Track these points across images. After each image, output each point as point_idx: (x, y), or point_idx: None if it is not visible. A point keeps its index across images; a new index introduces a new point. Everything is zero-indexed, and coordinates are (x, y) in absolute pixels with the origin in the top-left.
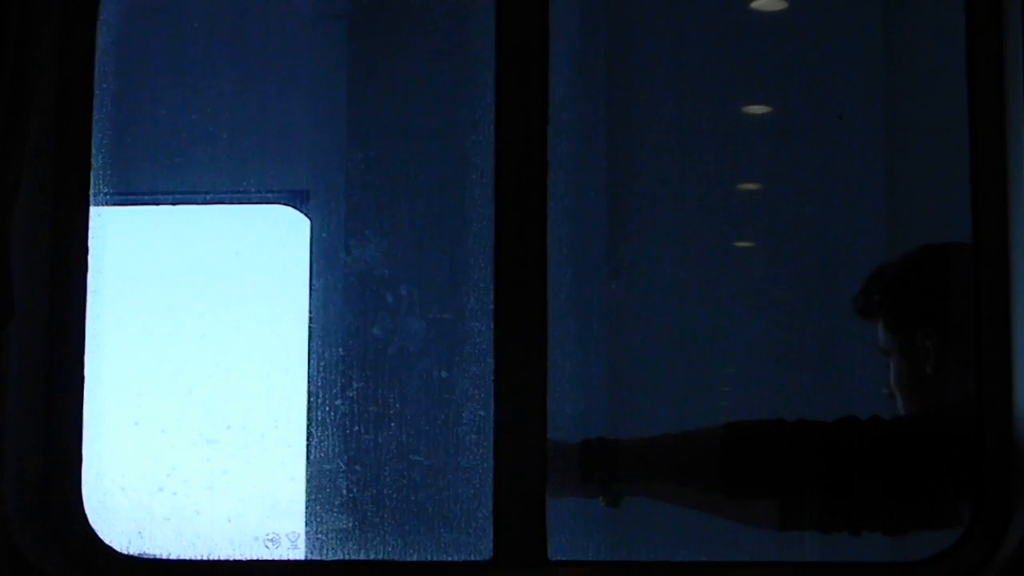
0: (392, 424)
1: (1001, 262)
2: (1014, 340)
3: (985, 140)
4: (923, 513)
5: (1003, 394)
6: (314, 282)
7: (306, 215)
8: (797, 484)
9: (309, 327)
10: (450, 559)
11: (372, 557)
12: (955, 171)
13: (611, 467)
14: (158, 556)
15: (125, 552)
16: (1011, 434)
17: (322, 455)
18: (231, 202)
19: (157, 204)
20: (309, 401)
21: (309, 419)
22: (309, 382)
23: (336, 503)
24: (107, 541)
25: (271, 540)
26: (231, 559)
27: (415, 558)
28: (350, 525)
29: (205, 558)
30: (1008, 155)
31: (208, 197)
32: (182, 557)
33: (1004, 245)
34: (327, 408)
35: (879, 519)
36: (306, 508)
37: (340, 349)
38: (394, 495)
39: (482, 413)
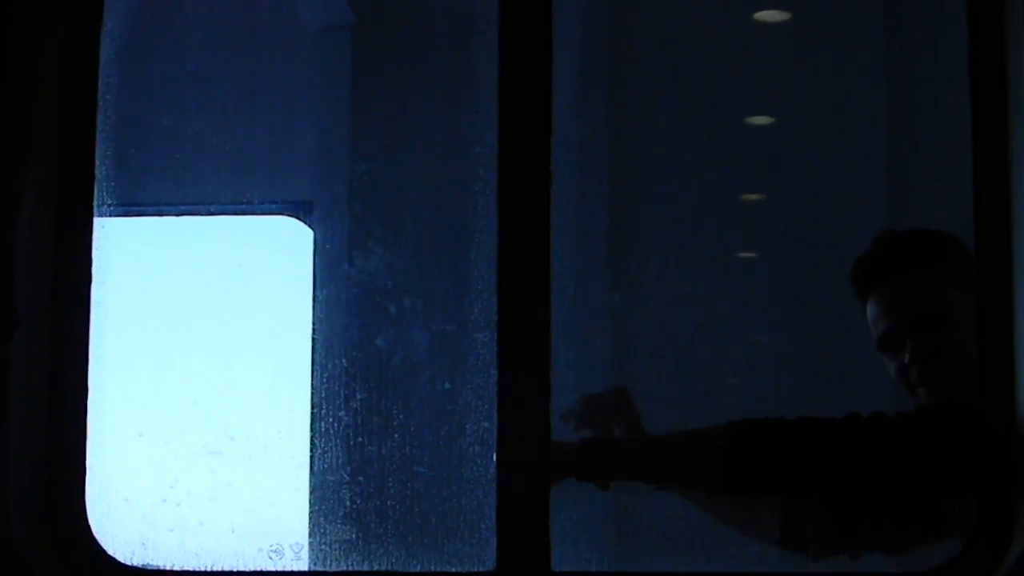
0: (395, 435)
1: (1004, 269)
2: (1016, 345)
3: (988, 149)
4: (924, 520)
5: (1007, 401)
6: (317, 293)
7: (309, 226)
8: (798, 484)
9: (312, 338)
10: (453, 570)
11: (376, 568)
12: (957, 180)
13: (610, 465)
14: (161, 567)
15: (128, 563)
16: (1015, 444)
17: (326, 466)
18: (234, 213)
19: (161, 215)
20: (313, 412)
21: (313, 430)
22: (313, 393)
23: (340, 514)
24: (110, 552)
25: (275, 551)
26: (234, 570)
27: (419, 569)
28: (354, 536)
29: (208, 569)
30: (1011, 166)
31: (211, 208)
32: (185, 568)
33: (1007, 252)
34: (331, 419)
35: (880, 533)
36: (310, 519)
37: (343, 360)
38: (398, 506)
39: (485, 424)
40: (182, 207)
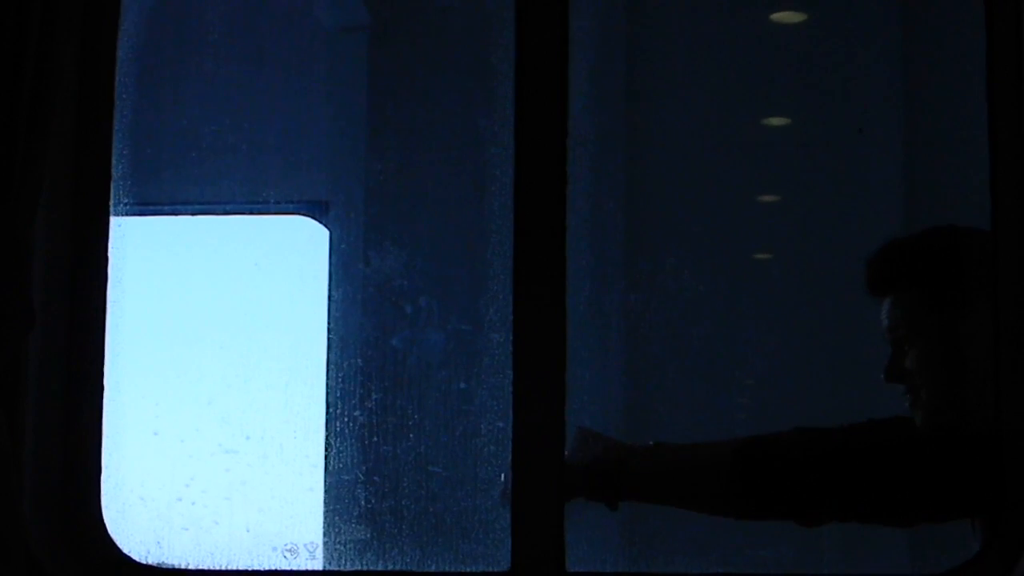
0: (410, 435)
1: (1020, 271)
2: None
3: (1005, 150)
4: (937, 517)
5: (1022, 407)
6: (333, 293)
7: (325, 226)
8: (812, 493)
9: (328, 338)
10: (468, 570)
11: (390, 568)
12: (974, 182)
13: (619, 485)
14: (176, 566)
15: (143, 562)
16: None
17: (341, 466)
18: (251, 213)
19: (177, 214)
20: (328, 412)
21: (328, 430)
22: (328, 393)
23: (354, 514)
24: (126, 551)
25: (289, 550)
26: (249, 569)
27: (433, 569)
28: (368, 536)
29: (223, 568)
30: None
31: (228, 208)
32: (200, 567)
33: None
34: (346, 419)
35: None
36: (324, 518)
37: (359, 360)
38: (412, 506)
39: (500, 424)
40: (198, 206)
